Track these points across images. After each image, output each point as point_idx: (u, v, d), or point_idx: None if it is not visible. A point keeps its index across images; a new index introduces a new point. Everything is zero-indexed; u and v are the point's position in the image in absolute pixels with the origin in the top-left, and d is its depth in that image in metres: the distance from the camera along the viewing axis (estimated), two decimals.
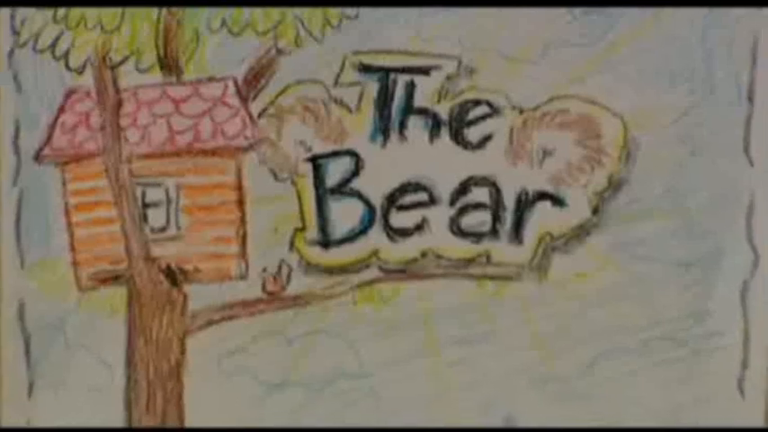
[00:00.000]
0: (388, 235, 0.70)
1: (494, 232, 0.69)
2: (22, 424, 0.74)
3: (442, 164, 0.69)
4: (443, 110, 0.69)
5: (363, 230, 0.70)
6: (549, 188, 0.69)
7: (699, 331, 0.67)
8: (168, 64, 0.71)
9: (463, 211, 0.69)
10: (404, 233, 0.70)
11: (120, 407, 0.72)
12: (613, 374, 0.69)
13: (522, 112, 0.68)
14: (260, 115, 0.71)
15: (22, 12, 0.74)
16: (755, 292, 0.67)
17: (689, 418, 0.67)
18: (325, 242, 0.70)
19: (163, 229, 0.73)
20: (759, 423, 0.66)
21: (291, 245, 0.71)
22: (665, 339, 0.68)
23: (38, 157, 0.74)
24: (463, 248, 0.69)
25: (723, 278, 0.67)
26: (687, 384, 0.67)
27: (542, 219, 0.69)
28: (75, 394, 0.73)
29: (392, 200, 0.70)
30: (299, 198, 0.71)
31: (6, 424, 0.73)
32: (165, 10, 0.71)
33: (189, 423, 0.73)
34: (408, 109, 0.69)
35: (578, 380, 0.69)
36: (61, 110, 0.74)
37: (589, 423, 0.69)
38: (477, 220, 0.69)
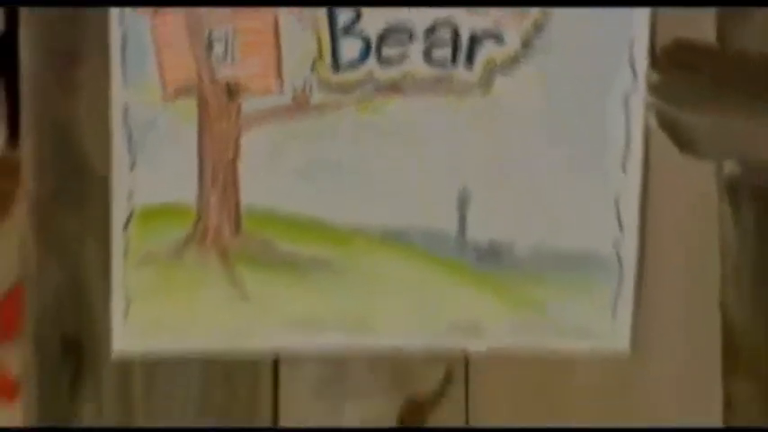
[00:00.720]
0: (379, 63, 0.81)
1: (454, 61, 0.81)
2: (125, 194, 0.83)
3: (418, 12, 0.81)
4: None
5: (363, 59, 0.82)
6: (492, 29, 0.81)
7: (595, 141, 0.82)
8: None
9: (432, 45, 0.81)
10: (391, 61, 0.81)
11: (194, 180, 0.83)
12: (543, 167, 0.82)
13: None
14: None
15: None
16: (634, 103, 0.81)
17: (578, 211, 0.82)
18: (336, 67, 0.82)
19: (223, 58, 0.82)
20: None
21: (312, 69, 0.82)
22: (575, 146, 0.82)
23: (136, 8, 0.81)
24: (432, 72, 0.82)
25: (611, 95, 0.81)
26: (587, 181, 0.82)
27: (488, 51, 0.81)
28: (162, 170, 0.83)
29: (383, 38, 0.81)
30: (318, 37, 0.82)
31: (116, 192, 0.82)
32: None
33: (243, 191, 0.82)
34: None
35: (519, 168, 0.82)
36: None
37: (524, 202, 0.82)
38: (443, 52, 0.82)
